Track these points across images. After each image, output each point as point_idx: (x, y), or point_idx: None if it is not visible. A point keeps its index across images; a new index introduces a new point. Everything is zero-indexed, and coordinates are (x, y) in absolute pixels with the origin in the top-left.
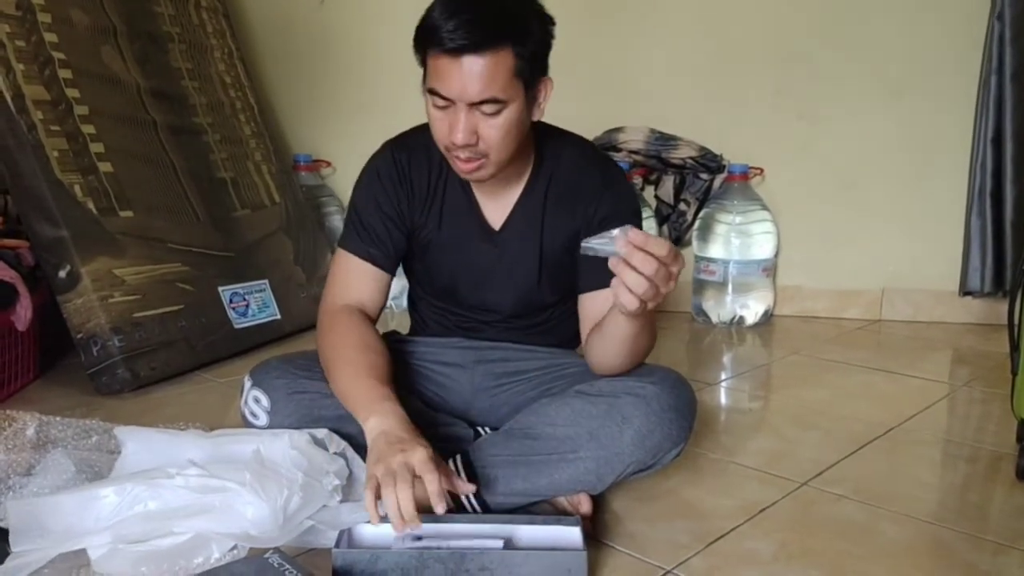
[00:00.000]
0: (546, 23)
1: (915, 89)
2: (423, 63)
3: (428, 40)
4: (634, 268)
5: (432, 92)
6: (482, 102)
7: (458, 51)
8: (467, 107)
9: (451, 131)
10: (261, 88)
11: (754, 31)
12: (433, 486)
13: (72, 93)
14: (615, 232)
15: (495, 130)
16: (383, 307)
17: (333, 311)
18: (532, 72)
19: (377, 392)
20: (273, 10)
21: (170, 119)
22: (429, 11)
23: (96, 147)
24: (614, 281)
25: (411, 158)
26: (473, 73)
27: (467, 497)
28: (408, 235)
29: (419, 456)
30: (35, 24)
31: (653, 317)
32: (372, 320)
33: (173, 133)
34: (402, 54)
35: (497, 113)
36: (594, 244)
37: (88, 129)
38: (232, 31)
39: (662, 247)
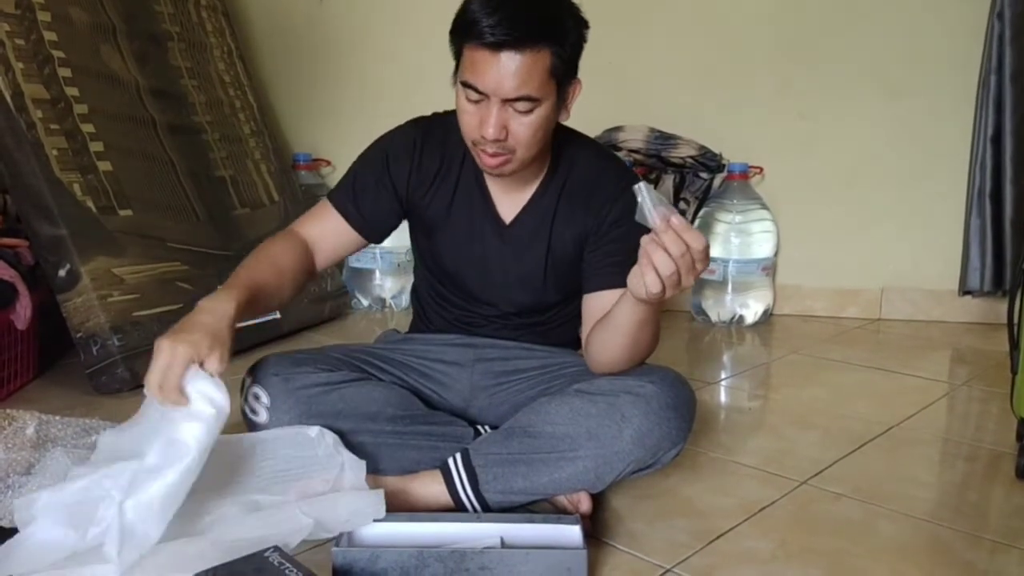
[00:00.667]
0: (581, 26)
1: (915, 89)
2: (458, 55)
3: (467, 32)
4: (665, 249)
5: (466, 85)
6: (517, 99)
7: (498, 46)
8: (500, 103)
9: (482, 125)
10: (260, 87)
11: (754, 30)
12: (155, 372)
13: (71, 92)
14: (662, 208)
15: (525, 128)
16: (332, 261)
17: (283, 233)
18: (566, 73)
19: (227, 284)
20: (273, 8)
21: (169, 118)
22: (467, 3)
23: (95, 146)
24: (639, 263)
25: (426, 137)
26: (511, 70)
27: (467, 496)
28: (405, 209)
29: (164, 345)
30: (34, 22)
31: (658, 316)
32: (310, 258)
33: (172, 132)
34: (403, 52)
35: (530, 111)
36: (646, 207)
37: (87, 128)
38: (232, 30)
39: (699, 241)
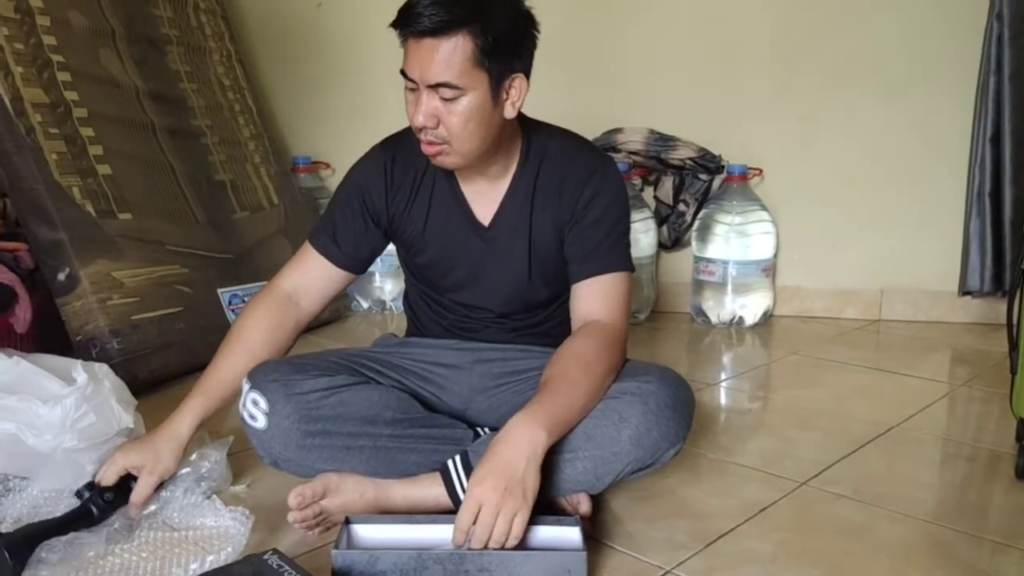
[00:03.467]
0: (516, 16)
1: (914, 89)
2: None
3: (399, 22)
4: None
5: (402, 74)
6: (438, 85)
7: (420, 33)
8: (427, 90)
9: (415, 113)
10: (260, 90)
11: (753, 31)
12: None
13: (71, 96)
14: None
15: (454, 116)
16: (322, 305)
17: (265, 291)
18: (496, 64)
19: (188, 402)
20: (271, 12)
21: (169, 121)
22: None
23: (95, 150)
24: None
25: (396, 156)
26: (430, 56)
27: None
28: (388, 233)
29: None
30: (33, 27)
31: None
32: (298, 310)
33: (172, 136)
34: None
35: (455, 99)
36: None
37: (87, 132)
38: (230, 33)
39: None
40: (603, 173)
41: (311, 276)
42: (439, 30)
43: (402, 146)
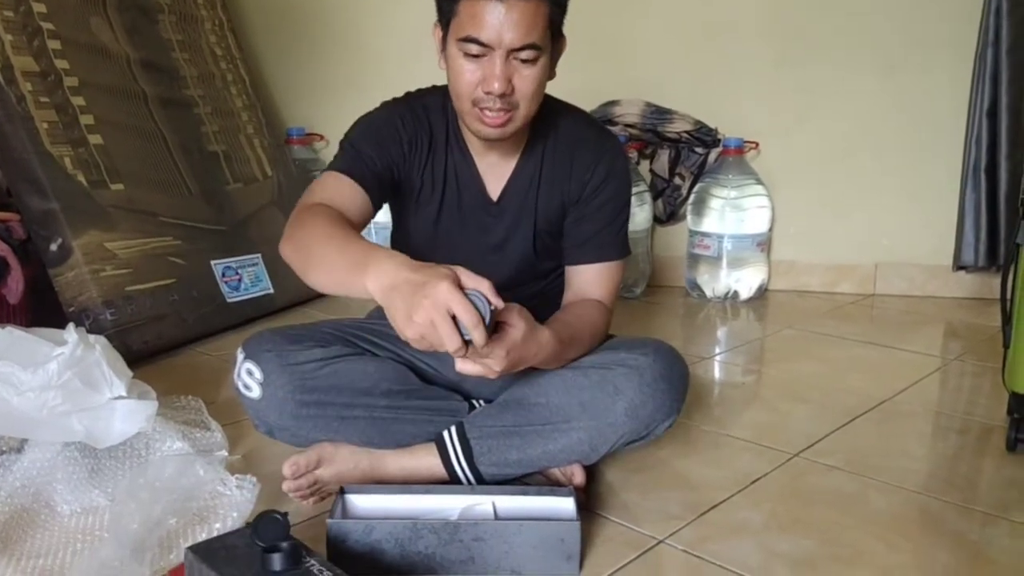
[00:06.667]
0: None
1: (910, 63)
2: (450, 13)
3: None
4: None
5: (467, 40)
6: (522, 47)
7: None
8: (505, 54)
9: (485, 81)
10: (253, 60)
11: (750, 4)
12: (466, 317)
13: (61, 64)
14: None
15: (529, 82)
16: (361, 227)
17: (309, 205)
18: (559, 26)
19: (369, 249)
20: None
21: (160, 91)
22: None
23: (86, 119)
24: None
25: (414, 117)
26: (515, 18)
27: (461, 469)
28: (395, 184)
29: (443, 290)
30: None
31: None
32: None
33: (163, 105)
34: (398, 24)
35: (534, 61)
36: None
37: (78, 101)
38: (223, 2)
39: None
40: (613, 155)
41: (349, 197)
42: None
43: (415, 109)
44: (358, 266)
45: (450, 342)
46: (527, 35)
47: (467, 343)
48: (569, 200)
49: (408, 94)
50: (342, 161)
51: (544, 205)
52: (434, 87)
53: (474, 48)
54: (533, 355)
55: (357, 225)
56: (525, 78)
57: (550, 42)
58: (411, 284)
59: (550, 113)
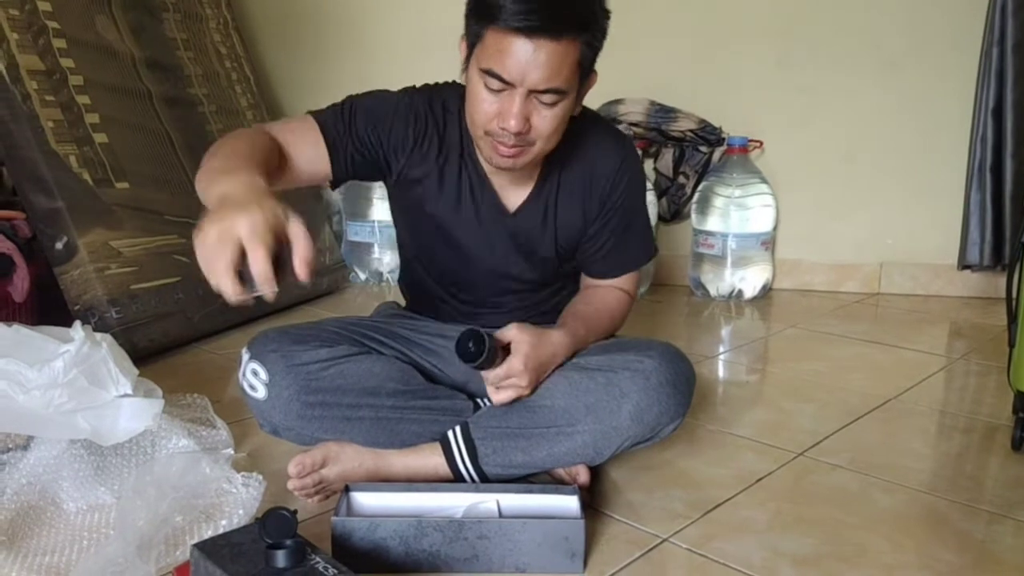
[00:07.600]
0: (608, 18)
1: (916, 61)
2: (477, 37)
3: (494, 15)
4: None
5: (488, 73)
6: (545, 91)
7: (531, 32)
8: (526, 93)
9: (501, 116)
10: (257, 59)
11: (754, 3)
12: (257, 262)
13: (67, 63)
14: None
15: (548, 121)
16: (296, 178)
17: (257, 127)
18: (591, 66)
19: (247, 170)
20: None
21: (165, 90)
22: None
23: (91, 118)
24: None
25: (431, 114)
26: (542, 59)
27: (466, 469)
28: (378, 168)
29: (244, 222)
30: None
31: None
32: (284, 159)
33: (168, 104)
34: (403, 22)
35: (555, 104)
36: None
37: (83, 99)
38: (227, 1)
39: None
40: (630, 161)
41: (304, 142)
42: (558, 32)
43: (435, 106)
44: (223, 173)
45: (221, 279)
46: (552, 79)
47: (249, 289)
48: (590, 213)
49: (428, 87)
50: (328, 115)
51: (564, 215)
52: (456, 84)
53: (494, 82)
54: (551, 356)
55: (290, 170)
56: (544, 118)
57: (577, 83)
58: (234, 202)
59: (572, 122)
